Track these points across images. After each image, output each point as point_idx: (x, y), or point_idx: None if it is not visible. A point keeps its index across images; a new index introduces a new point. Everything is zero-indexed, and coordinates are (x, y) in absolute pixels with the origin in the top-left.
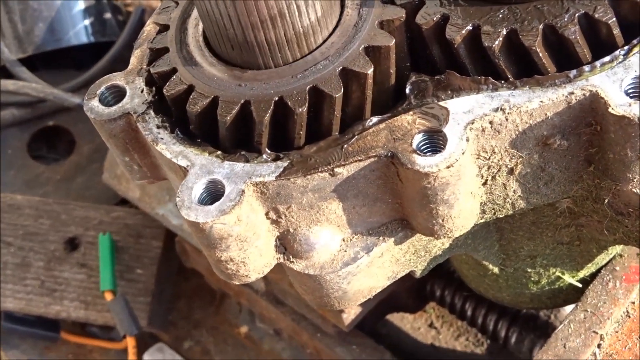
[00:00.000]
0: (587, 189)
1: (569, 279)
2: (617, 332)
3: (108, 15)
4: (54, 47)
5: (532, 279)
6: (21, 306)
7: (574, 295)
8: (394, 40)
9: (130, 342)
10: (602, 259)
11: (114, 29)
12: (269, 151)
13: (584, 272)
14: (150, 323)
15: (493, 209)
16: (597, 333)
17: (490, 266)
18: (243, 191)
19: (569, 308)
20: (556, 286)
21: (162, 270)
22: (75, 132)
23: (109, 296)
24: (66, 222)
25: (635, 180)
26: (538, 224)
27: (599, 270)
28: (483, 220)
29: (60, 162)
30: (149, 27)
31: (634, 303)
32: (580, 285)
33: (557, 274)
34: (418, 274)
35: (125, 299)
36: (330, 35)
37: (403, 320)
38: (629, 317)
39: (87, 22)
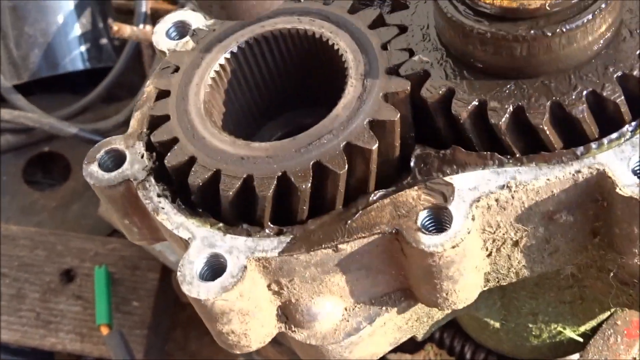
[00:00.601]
0: (592, 258)
1: (570, 333)
2: None
3: (104, 40)
4: (50, 73)
5: (534, 333)
6: (16, 338)
7: (575, 347)
8: (399, 113)
9: None
10: (603, 315)
11: (110, 55)
12: (271, 225)
13: (585, 327)
14: (147, 355)
15: (497, 277)
16: None
17: (491, 321)
18: (245, 267)
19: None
20: (557, 340)
21: (159, 303)
22: (71, 158)
23: (105, 330)
24: (62, 253)
25: None
26: (541, 285)
27: (600, 324)
28: (486, 289)
29: (56, 188)
30: (149, 89)
31: (635, 359)
32: (581, 340)
33: (559, 328)
34: (420, 338)
35: (121, 333)
36: (333, 106)
37: (401, 358)
38: None
39: (83, 48)
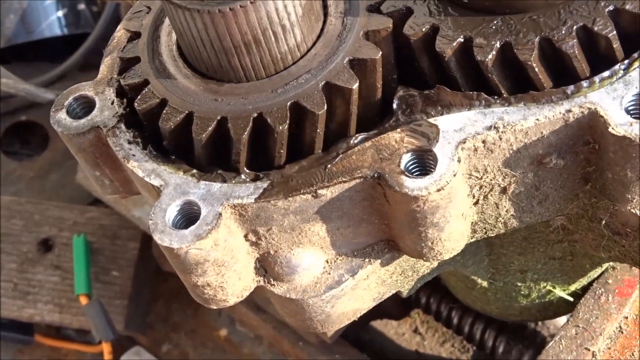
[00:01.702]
0: (583, 207)
1: (560, 292)
2: (609, 348)
3: (82, 6)
4: (26, 39)
5: (522, 292)
6: None
7: (565, 307)
8: (381, 52)
9: (106, 348)
10: (594, 272)
11: (88, 21)
12: (247, 170)
13: (575, 286)
14: (127, 326)
15: (484, 228)
16: (589, 350)
17: (479, 280)
18: (220, 214)
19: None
20: (546, 299)
21: (139, 272)
22: (49, 127)
23: (84, 300)
24: (39, 223)
25: (634, 200)
26: (530, 239)
27: (590, 283)
28: (474, 240)
29: (34, 158)
30: (120, 33)
31: (627, 318)
32: (571, 299)
33: (548, 287)
34: (405, 294)
35: (100, 303)
36: (312, 46)
37: (387, 326)
38: (622, 332)
39: (60, 13)
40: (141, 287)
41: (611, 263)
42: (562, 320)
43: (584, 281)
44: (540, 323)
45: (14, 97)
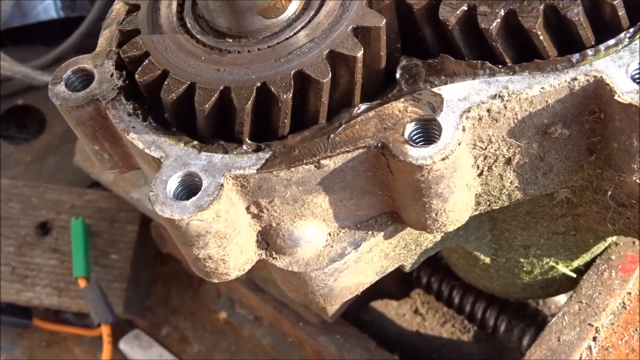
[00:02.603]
0: (588, 179)
1: (562, 268)
2: (613, 324)
3: None
4: (22, 22)
5: (525, 268)
6: None
7: (568, 284)
8: (385, 20)
9: (105, 331)
10: (597, 248)
11: (84, 4)
12: (249, 141)
13: (578, 262)
14: (127, 309)
15: (488, 200)
16: (592, 325)
17: (482, 256)
18: (222, 185)
19: (560, 296)
20: (549, 276)
21: (138, 255)
22: (46, 111)
23: (82, 283)
24: (37, 206)
25: None
26: (533, 213)
27: (593, 260)
28: (477, 213)
29: (31, 142)
30: (118, 6)
31: (630, 294)
32: (574, 275)
33: (551, 263)
34: (408, 268)
35: (99, 286)
36: (315, 14)
37: (387, 307)
38: (625, 308)
39: None
40: (140, 270)
41: (614, 239)
42: (563, 299)
43: (587, 257)
44: (541, 302)
45: (11, 81)
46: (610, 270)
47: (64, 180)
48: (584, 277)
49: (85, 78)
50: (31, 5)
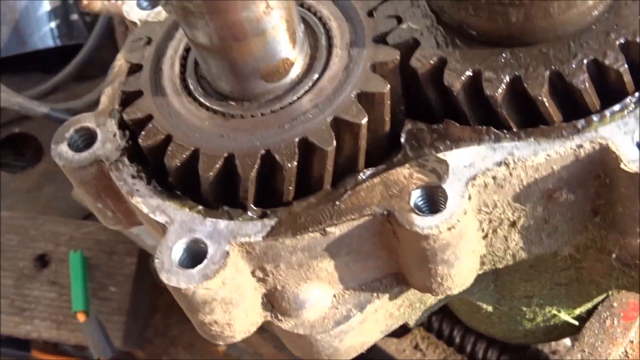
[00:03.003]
0: (592, 239)
1: (565, 316)
2: None
3: (75, 17)
4: (19, 51)
5: (527, 316)
6: None
7: (570, 330)
8: (389, 85)
9: None
10: (600, 296)
11: (81, 32)
12: (254, 207)
13: (580, 309)
14: (126, 342)
15: (493, 260)
16: None
17: (484, 305)
18: (228, 253)
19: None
20: (551, 323)
21: (137, 288)
22: (43, 139)
23: (81, 317)
24: (35, 238)
25: None
26: (536, 267)
27: (595, 306)
28: (482, 272)
29: (28, 171)
30: (120, 62)
31: (632, 342)
32: (577, 323)
33: (553, 312)
34: (412, 325)
35: (98, 320)
36: (319, 78)
37: (387, 342)
38: (628, 357)
39: (53, 24)
40: (139, 302)
41: None
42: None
43: (589, 305)
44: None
45: (8, 110)
46: (613, 318)
47: (61, 210)
48: (586, 325)
49: (88, 137)
50: (28, 34)
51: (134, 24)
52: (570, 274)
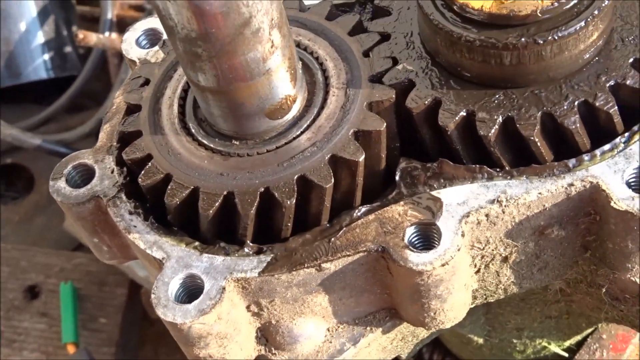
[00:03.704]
0: (582, 273)
1: (555, 348)
2: None
3: (69, 49)
4: (12, 83)
5: (518, 348)
6: None
7: None
8: (385, 123)
9: None
10: (590, 328)
11: (74, 63)
12: (251, 244)
13: (570, 342)
14: None
15: (484, 294)
16: None
17: (475, 337)
18: (224, 288)
19: None
20: (541, 355)
21: (127, 319)
22: (35, 170)
23: (71, 349)
24: (26, 269)
25: (634, 269)
26: (527, 300)
27: (585, 338)
28: (473, 306)
29: (19, 201)
30: (119, 100)
31: None
32: (566, 355)
33: (544, 344)
34: (404, 358)
35: (88, 351)
36: (316, 117)
37: None
38: None
39: (46, 56)
40: (129, 334)
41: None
42: None
43: (578, 337)
44: None
45: (1, 140)
46: (602, 349)
47: (52, 240)
48: (575, 357)
49: (86, 173)
50: (22, 66)
51: (133, 62)
52: (560, 307)
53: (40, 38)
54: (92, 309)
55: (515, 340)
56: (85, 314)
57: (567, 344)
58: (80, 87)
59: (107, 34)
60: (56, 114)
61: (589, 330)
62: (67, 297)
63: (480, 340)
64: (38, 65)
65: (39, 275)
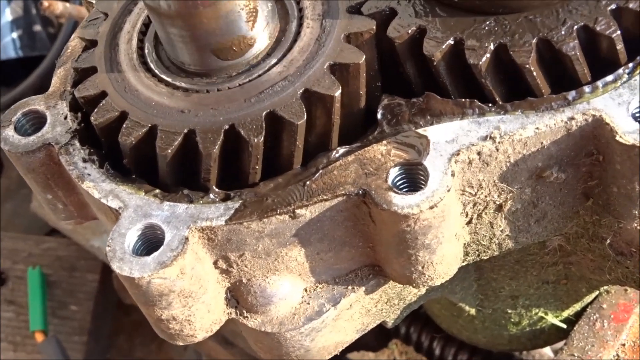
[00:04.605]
0: (584, 226)
1: (552, 319)
2: None
3: (38, 27)
4: None
5: (512, 320)
6: None
7: (557, 335)
8: (364, 56)
9: None
10: (589, 297)
11: (44, 43)
12: (217, 189)
13: (568, 312)
14: None
15: (477, 250)
16: None
17: (467, 307)
18: (187, 238)
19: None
20: (537, 327)
21: (99, 306)
22: (3, 155)
23: (39, 337)
24: None
25: None
26: (522, 262)
27: (584, 309)
28: (465, 263)
29: None
30: (74, 42)
31: (624, 345)
32: (564, 325)
33: (540, 314)
34: (390, 324)
35: (57, 339)
36: (288, 50)
37: (364, 357)
38: None
39: (15, 35)
40: (101, 322)
41: (605, 286)
42: (549, 349)
43: (577, 307)
44: (525, 352)
45: None
46: (603, 320)
47: (22, 226)
48: (574, 329)
49: (37, 121)
50: None
51: (91, 4)
52: (558, 270)
53: (7, 16)
54: (62, 295)
55: (509, 310)
56: (55, 301)
57: (565, 314)
58: (49, 67)
59: (76, 3)
60: (25, 95)
61: (588, 300)
62: (35, 283)
63: (472, 311)
64: (6, 44)
65: (5, 261)
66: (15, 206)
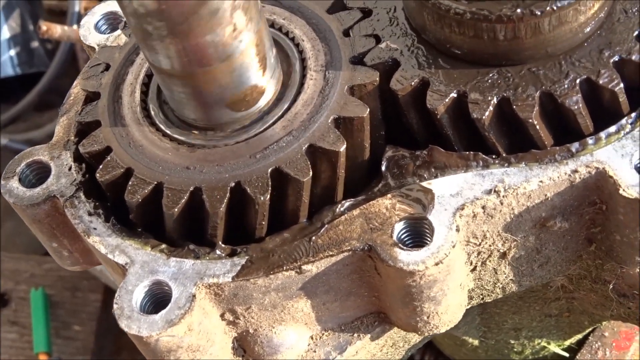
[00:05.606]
0: (586, 268)
1: (555, 348)
2: None
3: (36, 44)
4: None
5: (515, 349)
6: None
7: None
8: (368, 109)
9: None
10: (592, 326)
11: (42, 59)
12: (223, 245)
13: (571, 341)
14: None
15: (481, 294)
16: None
17: (470, 339)
18: (194, 295)
19: None
20: (540, 355)
21: (102, 326)
22: (2, 172)
23: (43, 358)
24: None
25: None
26: (525, 298)
27: (586, 337)
28: (469, 307)
29: None
30: (76, 90)
31: None
32: (567, 354)
33: (543, 343)
34: None
35: None
36: (292, 103)
37: None
38: None
39: (12, 52)
40: (104, 341)
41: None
42: None
43: (579, 335)
44: None
45: None
46: (605, 348)
47: (23, 245)
48: (577, 357)
49: (41, 171)
50: None
51: (92, 48)
52: (561, 305)
53: (5, 33)
54: (65, 315)
55: (512, 341)
56: (58, 321)
57: (567, 343)
58: (48, 84)
59: (74, 26)
60: (24, 112)
61: (591, 329)
62: (38, 304)
63: (476, 342)
64: (4, 62)
65: (8, 281)
66: (15, 225)
